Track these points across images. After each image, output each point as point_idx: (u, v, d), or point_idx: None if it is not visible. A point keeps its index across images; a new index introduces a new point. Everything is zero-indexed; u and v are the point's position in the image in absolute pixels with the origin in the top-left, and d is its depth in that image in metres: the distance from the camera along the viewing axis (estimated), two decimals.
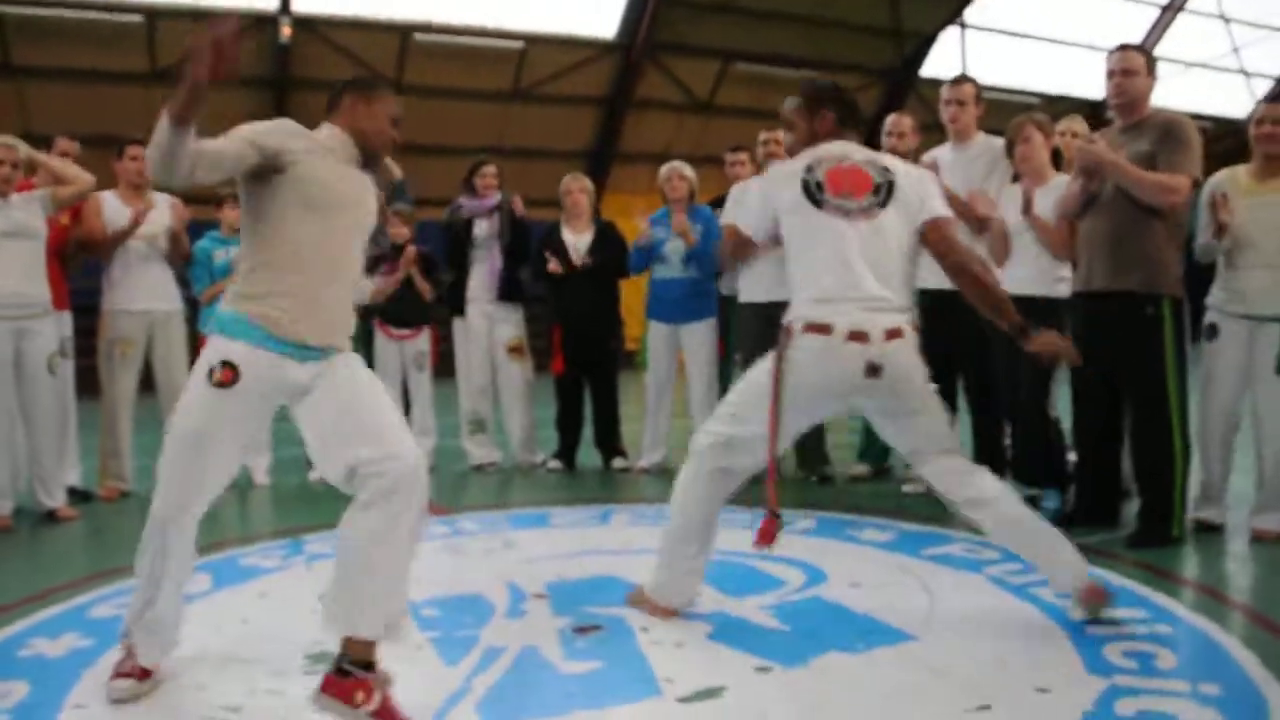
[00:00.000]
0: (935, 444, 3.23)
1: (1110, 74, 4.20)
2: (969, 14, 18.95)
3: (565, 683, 2.70)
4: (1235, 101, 20.67)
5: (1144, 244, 4.11)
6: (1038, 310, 4.59)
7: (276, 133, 2.63)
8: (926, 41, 19.13)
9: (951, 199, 4.94)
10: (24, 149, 5.09)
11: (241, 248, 2.72)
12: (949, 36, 19.17)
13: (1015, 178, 4.85)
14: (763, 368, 3.16)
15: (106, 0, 14.44)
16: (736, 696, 2.61)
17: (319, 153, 2.68)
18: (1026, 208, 4.57)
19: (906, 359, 3.12)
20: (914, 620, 3.18)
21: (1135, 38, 20.77)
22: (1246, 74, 21.39)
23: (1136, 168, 4.03)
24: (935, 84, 18.72)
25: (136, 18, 14.65)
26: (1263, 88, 20.76)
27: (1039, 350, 3.15)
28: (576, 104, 17.66)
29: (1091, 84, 19.98)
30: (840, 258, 3.10)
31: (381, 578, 2.48)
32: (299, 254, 2.61)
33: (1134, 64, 4.17)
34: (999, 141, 5.03)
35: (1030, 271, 4.65)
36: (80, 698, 2.69)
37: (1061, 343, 3.17)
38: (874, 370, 3.04)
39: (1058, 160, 4.87)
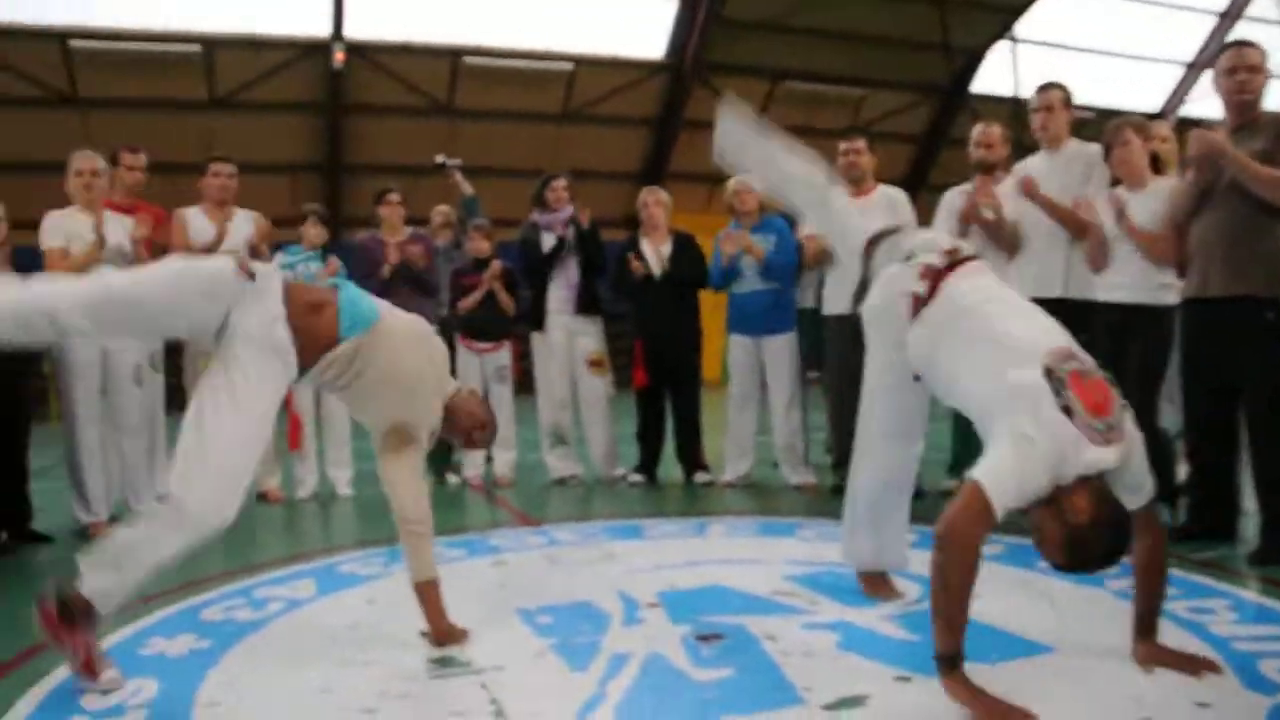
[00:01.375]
0: None
1: (1231, 70, 4.07)
2: (1019, 28, 18.81)
3: (701, 690, 2.63)
4: None
5: (1263, 245, 3.98)
6: (1141, 318, 4.50)
7: None
8: (976, 57, 19.04)
9: (1051, 206, 4.87)
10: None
11: None
12: (999, 51, 19.05)
13: (1115, 182, 4.76)
14: None
15: (166, 31, 14.68)
16: (882, 705, 2.53)
17: None
18: (1118, 217, 4.49)
19: None
20: (1046, 632, 3.08)
21: (1191, 48, 20.57)
22: None
23: (1258, 163, 3.92)
24: (987, 99, 18.85)
25: (195, 47, 14.88)
26: None
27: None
28: (627, 124, 17.73)
29: (1144, 96, 19.80)
30: None
31: None
32: None
33: (1255, 59, 4.06)
34: (1093, 147, 4.94)
35: (1131, 279, 4.55)
36: (210, 696, 2.68)
37: None
38: None
39: (1157, 165, 4.77)
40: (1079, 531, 2.42)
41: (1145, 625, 2.79)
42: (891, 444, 3.33)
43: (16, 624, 3.41)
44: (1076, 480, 2.43)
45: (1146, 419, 4.50)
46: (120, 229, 5.15)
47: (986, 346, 2.70)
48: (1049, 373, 2.50)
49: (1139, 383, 4.49)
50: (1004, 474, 2.40)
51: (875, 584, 3.53)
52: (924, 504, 5.31)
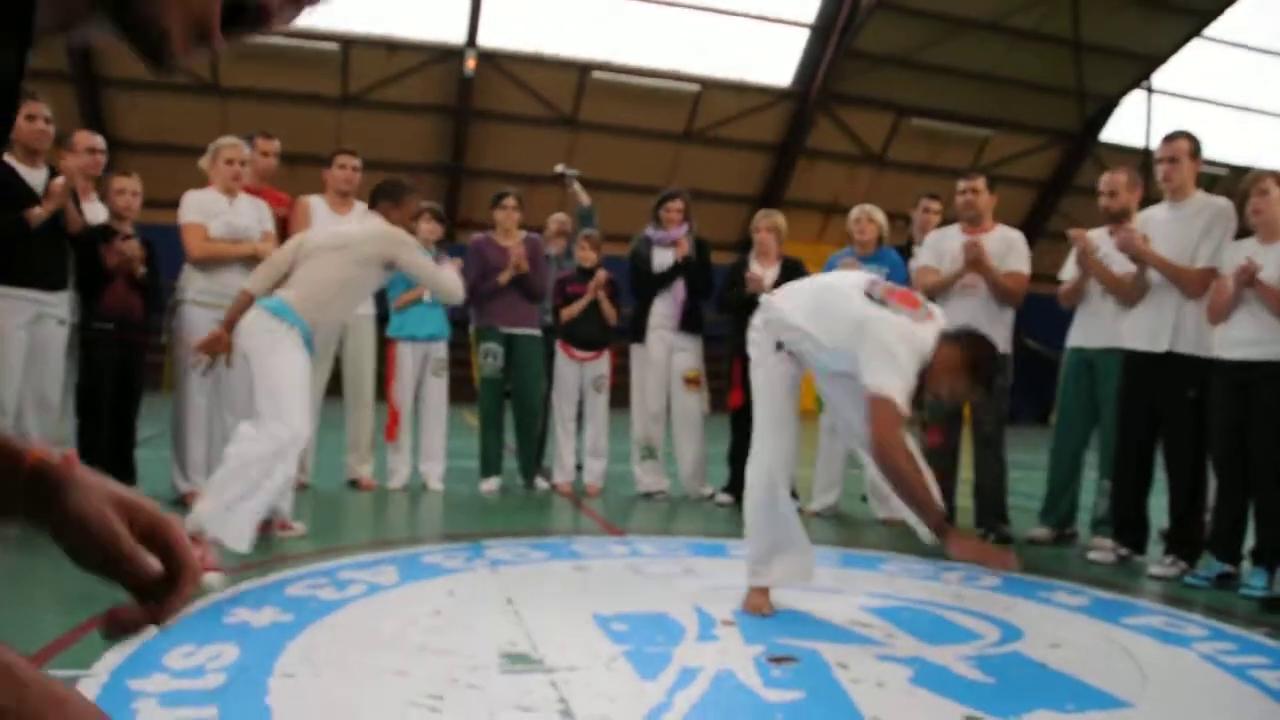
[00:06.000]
0: None
1: None
2: (1157, 78, 18.32)
3: (770, 710, 2.63)
4: None
5: None
6: (1265, 375, 4.33)
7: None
8: (1110, 104, 18.60)
9: (1163, 265, 4.75)
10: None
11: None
12: (1134, 100, 18.59)
13: (1245, 233, 4.62)
14: None
15: (307, 28, 15.18)
16: None
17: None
18: (1249, 280, 4.35)
19: None
20: (1126, 688, 3.00)
21: None
22: None
23: None
24: (1116, 149, 18.36)
25: (333, 45, 15.37)
26: None
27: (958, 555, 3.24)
28: (747, 149, 17.75)
29: None
30: None
31: None
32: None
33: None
34: (1220, 201, 4.80)
35: (1255, 334, 4.40)
36: (287, 666, 2.78)
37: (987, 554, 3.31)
38: None
39: None
40: (965, 367, 3.36)
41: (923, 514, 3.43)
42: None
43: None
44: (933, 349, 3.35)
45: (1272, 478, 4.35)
46: (253, 211, 5.39)
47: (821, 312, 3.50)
48: (869, 296, 3.40)
49: (1263, 440, 4.34)
50: (891, 382, 3.22)
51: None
52: (1012, 549, 5.23)
